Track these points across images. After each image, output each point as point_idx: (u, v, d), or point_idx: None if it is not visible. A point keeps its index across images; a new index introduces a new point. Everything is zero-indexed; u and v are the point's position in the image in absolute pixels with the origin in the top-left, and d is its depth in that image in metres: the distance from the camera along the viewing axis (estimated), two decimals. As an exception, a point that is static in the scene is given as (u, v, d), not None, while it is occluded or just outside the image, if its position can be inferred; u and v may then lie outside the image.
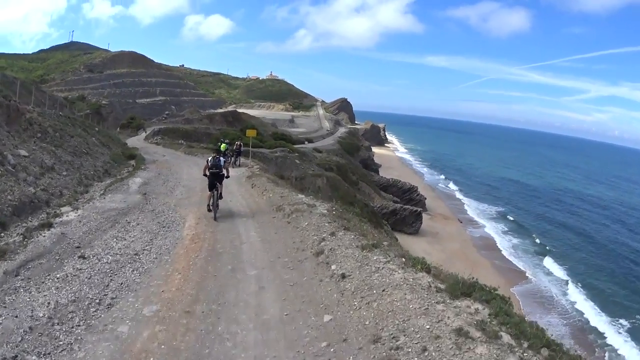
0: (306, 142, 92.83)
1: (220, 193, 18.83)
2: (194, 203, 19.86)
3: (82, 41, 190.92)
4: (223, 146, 34.32)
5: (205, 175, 18.68)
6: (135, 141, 51.97)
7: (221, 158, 18.88)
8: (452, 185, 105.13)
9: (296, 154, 57.19)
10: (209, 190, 18.27)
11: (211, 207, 17.93)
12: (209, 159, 18.92)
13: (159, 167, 31.68)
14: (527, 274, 50.11)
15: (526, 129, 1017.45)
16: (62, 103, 58.33)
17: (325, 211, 16.84)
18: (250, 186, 25.26)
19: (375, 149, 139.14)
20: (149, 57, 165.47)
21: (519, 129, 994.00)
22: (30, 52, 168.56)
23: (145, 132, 62.23)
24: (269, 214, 18.23)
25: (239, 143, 39.07)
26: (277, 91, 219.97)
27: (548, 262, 54.79)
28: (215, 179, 18.27)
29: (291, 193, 21.11)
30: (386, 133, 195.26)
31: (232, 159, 35.92)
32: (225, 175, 18.98)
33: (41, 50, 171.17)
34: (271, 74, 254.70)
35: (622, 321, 41.05)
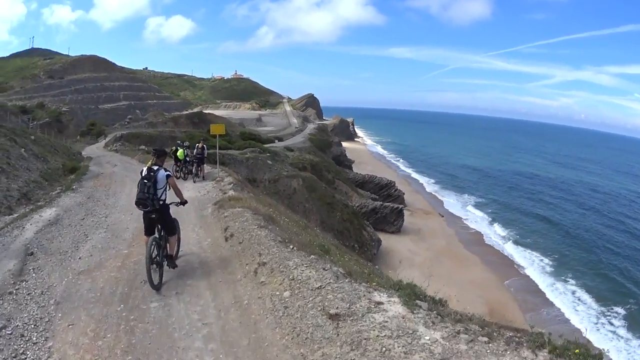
0: (276, 141, 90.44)
1: (160, 277, 10.33)
2: (102, 291, 10.01)
3: (43, 47, 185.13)
4: (180, 153, 27.97)
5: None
6: (94, 149, 47.87)
7: (161, 171, 10.45)
8: (426, 177, 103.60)
9: (267, 154, 54.61)
10: (146, 235, 10.64)
11: (149, 271, 9.78)
12: (143, 171, 10.61)
13: (97, 185, 23.31)
14: (518, 267, 48.77)
15: (492, 117, 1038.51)
16: (12, 112, 53.95)
17: None
18: (224, 234, 13.69)
19: (345, 144, 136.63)
20: (111, 60, 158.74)
21: (485, 116, 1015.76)
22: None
23: (106, 139, 58.48)
24: None
25: (201, 145, 28.88)
26: (242, 90, 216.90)
27: (534, 253, 53.51)
28: (150, 219, 10.58)
29: (329, 276, 9.15)
30: (355, 127, 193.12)
31: (194, 168, 27.80)
32: (179, 202, 11.13)
33: (0, 58, 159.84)
34: (236, 73, 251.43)
35: (617, 309, 40.31)
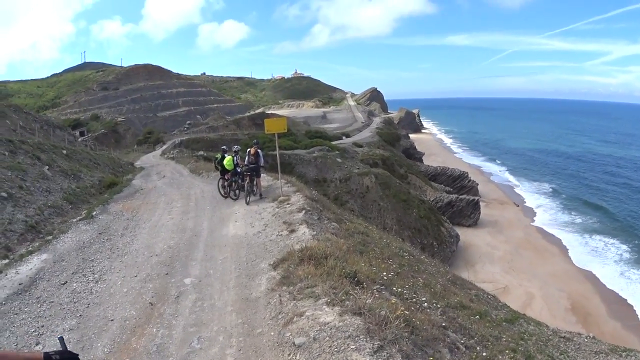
0: (343, 137, 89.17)
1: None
2: None
3: (95, 61, 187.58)
4: (228, 160, 20.17)
5: None
6: (150, 158, 46.13)
7: None
8: (496, 166, 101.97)
9: (336, 152, 52.84)
10: None
11: None
12: None
13: (124, 208, 17.94)
14: (596, 257, 46.25)
15: (553, 99, 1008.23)
16: (55, 125, 51.60)
17: None
18: None
19: (413, 136, 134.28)
20: (166, 68, 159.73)
21: (546, 99, 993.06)
22: (43, 78, 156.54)
23: (163, 147, 56.95)
24: None
25: (253, 150, 19.52)
26: (304, 88, 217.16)
27: (610, 241, 50.25)
28: None
29: None
30: (421, 118, 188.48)
31: (246, 183, 18.86)
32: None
33: (53, 75, 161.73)
34: (296, 72, 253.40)
35: None
